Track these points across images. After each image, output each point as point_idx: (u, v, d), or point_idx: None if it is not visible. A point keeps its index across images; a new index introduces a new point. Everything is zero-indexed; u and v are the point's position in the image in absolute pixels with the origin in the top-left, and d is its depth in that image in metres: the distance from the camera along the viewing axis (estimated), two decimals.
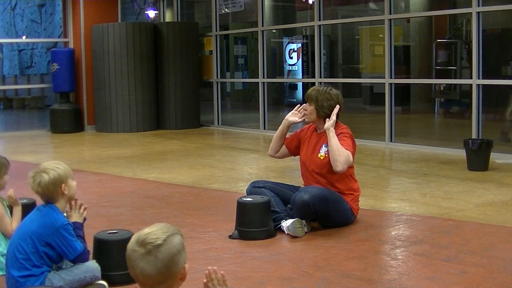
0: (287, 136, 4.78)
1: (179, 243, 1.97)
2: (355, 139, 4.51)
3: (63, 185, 3.10)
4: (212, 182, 6.47)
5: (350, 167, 4.46)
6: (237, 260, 3.85)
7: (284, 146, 4.78)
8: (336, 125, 4.45)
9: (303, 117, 4.68)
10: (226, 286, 2.11)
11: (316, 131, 4.61)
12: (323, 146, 4.47)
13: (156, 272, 1.91)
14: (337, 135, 4.36)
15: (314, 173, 4.53)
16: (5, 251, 3.32)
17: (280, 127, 4.74)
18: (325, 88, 4.56)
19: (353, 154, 4.39)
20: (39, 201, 3.26)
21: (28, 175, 3.14)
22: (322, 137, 4.51)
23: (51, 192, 3.09)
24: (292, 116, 4.69)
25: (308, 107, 4.53)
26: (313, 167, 4.53)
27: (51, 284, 3.05)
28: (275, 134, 4.79)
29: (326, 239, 4.22)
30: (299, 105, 4.73)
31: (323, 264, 3.72)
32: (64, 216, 3.17)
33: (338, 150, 4.26)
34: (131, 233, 3.33)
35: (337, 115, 4.46)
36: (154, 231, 1.96)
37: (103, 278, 3.27)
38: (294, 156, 4.84)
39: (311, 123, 4.68)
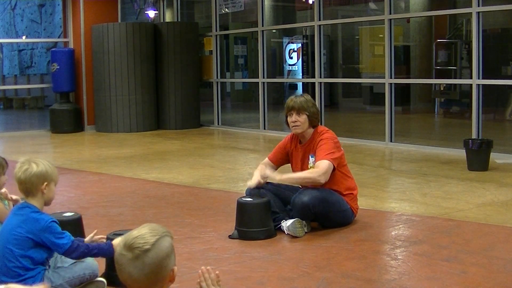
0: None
1: (167, 246, 1.93)
2: (338, 140, 4.47)
3: (45, 183, 2.99)
4: (212, 182, 6.47)
5: (342, 165, 4.46)
6: (237, 260, 3.85)
7: (272, 164, 4.67)
8: (315, 131, 4.48)
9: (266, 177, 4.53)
10: (220, 286, 2.07)
11: (300, 142, 4.58)
12: (310, 157, 4.47)
13: (143, 277, 1.89)
14: (317, 143, 4.38)
15: None
16: None
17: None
18: (304, 96, 4.54)
19: (335, 155, 4.32)
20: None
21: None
22: (307, 148, 4.51)
23: (32, 183, 2.97)
24: (251, 182, 4.51)
25: (300, 118, 4.43)
26: None
27: (51, 283, 3.05)
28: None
29: (326, 239, 4.22)
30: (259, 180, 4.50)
31: (323, 264, 3.72)
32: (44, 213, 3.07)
33: (304, 179, 4.31)
34: None
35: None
36: (142, 234, 1.91)
37: (106, 277, 3.27)
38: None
39: (292, 135, 4.62)
